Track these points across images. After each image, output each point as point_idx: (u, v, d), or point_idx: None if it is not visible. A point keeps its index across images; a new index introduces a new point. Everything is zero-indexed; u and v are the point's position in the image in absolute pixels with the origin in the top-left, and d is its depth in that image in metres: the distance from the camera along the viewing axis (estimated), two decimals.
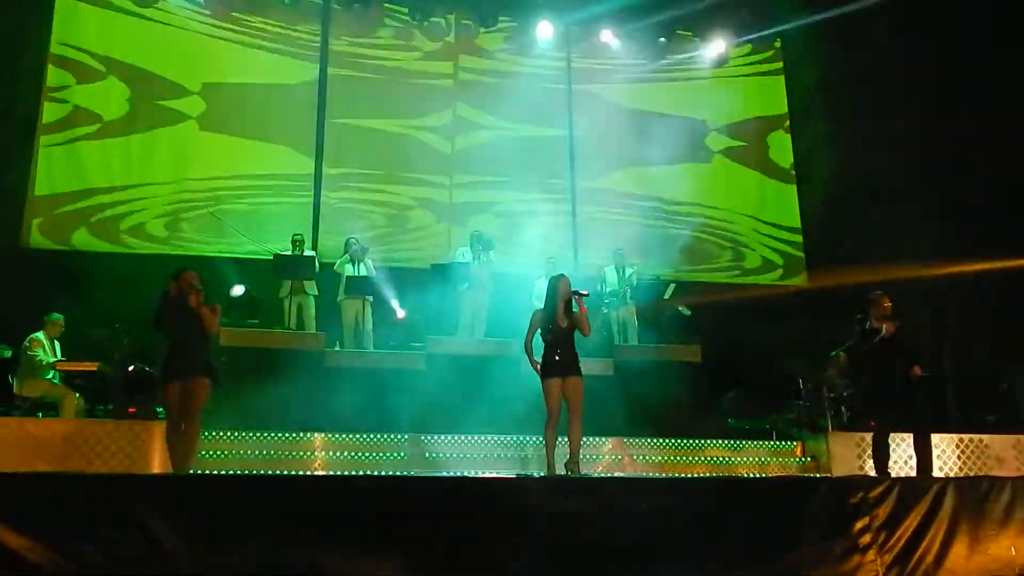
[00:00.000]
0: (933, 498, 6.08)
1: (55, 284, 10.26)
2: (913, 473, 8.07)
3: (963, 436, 8.87)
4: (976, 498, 6.19)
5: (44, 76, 11.89)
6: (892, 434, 7.76)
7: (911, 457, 8.27)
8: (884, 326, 7.58)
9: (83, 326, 9.30)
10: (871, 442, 7.77)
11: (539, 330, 7.30)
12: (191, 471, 6.63)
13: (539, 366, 7.22)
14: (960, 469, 8.57)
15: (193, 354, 6.64)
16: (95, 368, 8.91)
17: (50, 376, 8.72)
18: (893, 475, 7.64)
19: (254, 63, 12.85)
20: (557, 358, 7.15)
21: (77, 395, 8.57)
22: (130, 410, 8.51)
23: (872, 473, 7.98)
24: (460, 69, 13.78)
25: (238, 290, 10.06)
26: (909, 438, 8.00)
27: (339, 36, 13.36)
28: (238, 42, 12.87)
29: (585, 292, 7.38)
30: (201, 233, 11.95)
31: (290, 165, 12.65)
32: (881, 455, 7.57)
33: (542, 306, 10.19)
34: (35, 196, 11.57)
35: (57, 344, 8.97)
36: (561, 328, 7.22)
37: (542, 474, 7.37)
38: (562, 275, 7.55)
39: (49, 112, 11.87)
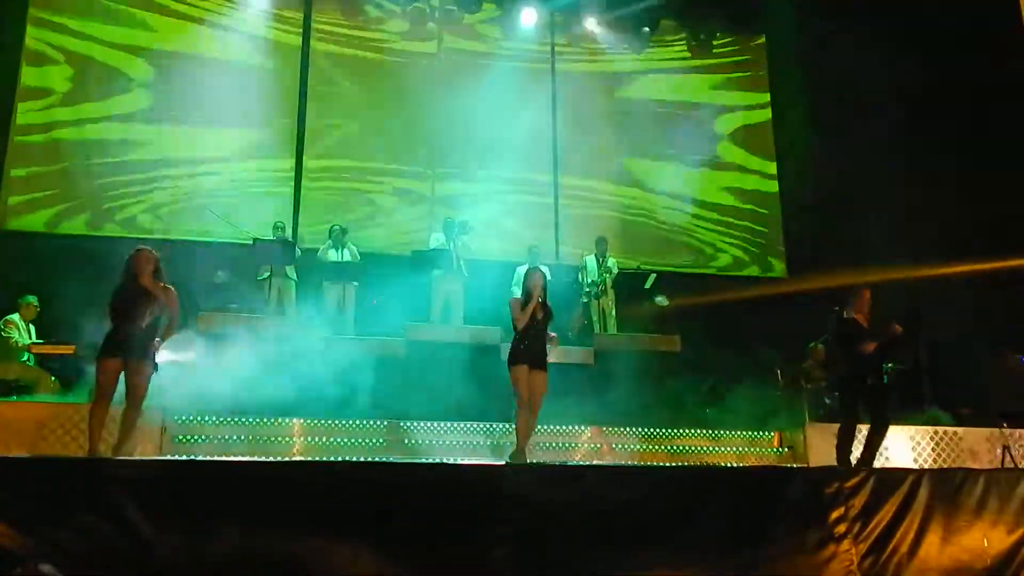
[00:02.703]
0: (908, 489, 6.15)
1: (31, 266, 10.15)
2: (886, 464, 8.16)
3: (938, 429, 8.96)
4: (950, 490, 6.26)
5: (20, 55, 11.74)
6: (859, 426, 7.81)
7: (885, 448, 8.37)
8: (861, 319, 7.64)
9: (59, 309, 9.20)
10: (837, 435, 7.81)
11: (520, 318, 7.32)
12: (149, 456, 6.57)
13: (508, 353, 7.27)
14: (934, 461, 8.66)
15: (137, 336, 6.36)
16: (71, 351, 8.80)
17: (25, 359, 8.63)
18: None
19: (236, 47, 12.74)
20: (526, 347, 7.20)
21: (52, 378, 8.48)
22: None
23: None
24: (443, 55, 13.70)
25: (221, 276, 9.97)
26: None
27: (321, 20, 13.25)
28: (218, 24, 12.75)
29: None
30: (180, 217, 11.85)
31: (271, 151, 12.56)
32: (846, 445, 7.60)
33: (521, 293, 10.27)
34: (10, 177, 11.43)
35: (32, 327, 8.88)
36: (536, 319, 7.26)
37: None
38: (537, 268, 7.59)
39: (26, 93, 11.73)
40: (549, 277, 7.74)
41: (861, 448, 7.54)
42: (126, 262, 6.55)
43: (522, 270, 10.74)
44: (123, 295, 6.44)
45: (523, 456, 7.12)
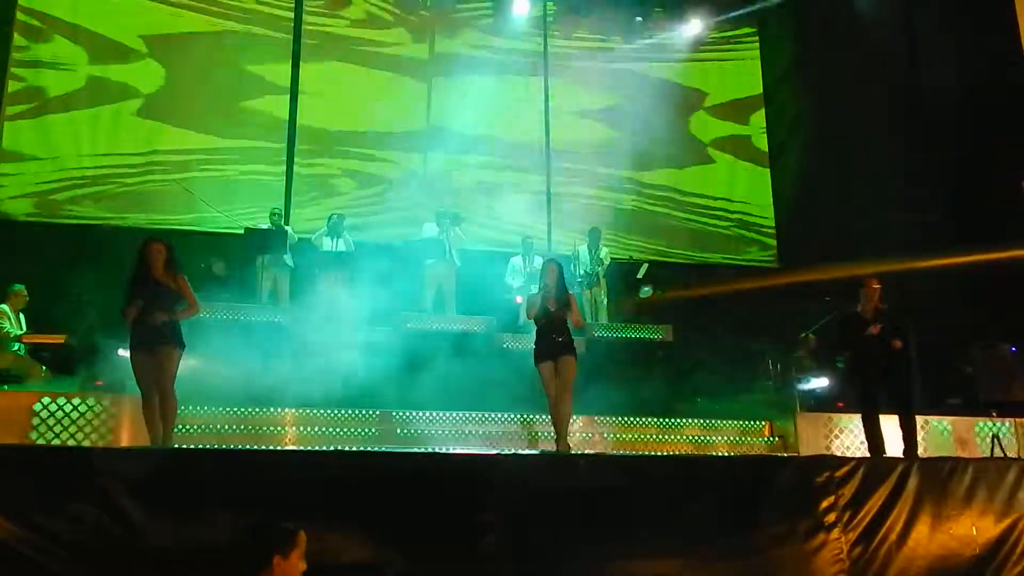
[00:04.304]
0: (897, 478, 6.18)
1: (20, 254, 10.10)
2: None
3: (927, 418, 8.99)
4: (939, 479, 6.30)
5: (10, 43, 11.67)
6: (857, 414, 7.85)
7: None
8: (867, 313, 7.67)
9: (48, 298, 9.17)
10: (862, 425, 7.84)
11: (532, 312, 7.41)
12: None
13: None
14: (924, 450, 8.69)
15: (159, 327, 6.40)
16: (62, 340, 8.77)
17: (15, 348, 8.59)
18: (857, 456, 7.73)
19: (227, 34, 12.69)
20: (548, 342, 7.29)
21: (43, 367, 8.45)
22: (97, 383, 8.39)
23: (839, 453, 8.09)
24: (436, 45, 13.66)
25: (219, 267, 9.93)
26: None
27: (312, 10, 13.19)
28: (208, 13, 12.69)
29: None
30: (172, 206, 11.80)
31: (264, 140, 12.51)
32: (874, 434, 7.62)
33: (515, 284, 10.31)
34: None
35: (23, 316, 8.84)
36: (551, 312, 7.30)
37: (516, 451, 7.44)
38: (552, 260, 7.64)
39: (15, 80, 11.67)
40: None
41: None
42: (138, 255, 6.55)
43: (516, 261, 10.79)
44: (139, 288, 6.46)
45: (564, 445, 7.18)
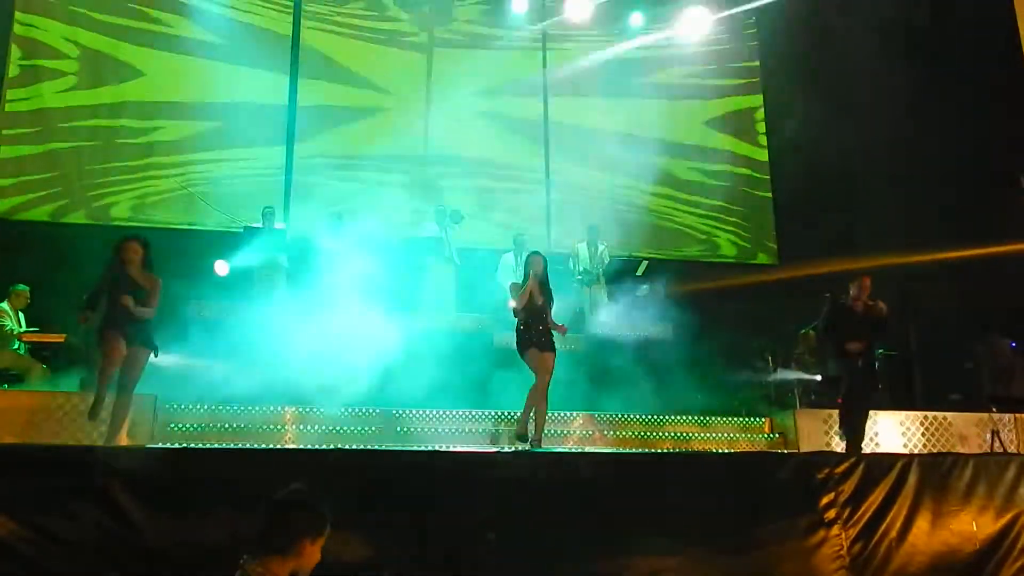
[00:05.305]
0: (898, 474, 6.19)
1: (19, 255, 10.10)
2: (876, 450, 8.22)
3: (927, 414, 9.00)
4: (939, 475, 6.30)
5: (8, 42, 11.66)
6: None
7: (876, 434, 8.44)
8: (858, 306, 7.68)
9: (48, 297, 9.18)
10: (838, 418, 7.87)
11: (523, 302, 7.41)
12: (160, 444, 6.56)
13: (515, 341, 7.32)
14: (924, 446, 8.70)
15: (135, 322, 6.38)
16: (62, 339, 8.78)
17: (16, 347, 8.60)
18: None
19: (225, 34, 12.67)
20: (533, 331, 7.30)
21: (44, 366, 8.46)
22: None
23: (839, 449, 8.09)
24: (435, 42, 13.64)
25: (223, 268, 9.91)
26: (879, 414, 8.17)
27: (311, 5, 13.19)
28: (208, 14, 12.68)
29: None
30: (170, 206, 11.80)
31: (262, 138, 12.49)
32: (848, 431, 7.65)
33: (508, 281, 10.29)
34: None
35: (23, 315, 8.85)
36: (536, 304, 7.30)
37: (514, 448, 7.44)
38: (536, 253, 7.63)
39: (14, 81, 11.66)
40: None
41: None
42: (114, 251, 6.53)
43: (507, 258, 10.77)
44: (112, 284, 6.43)
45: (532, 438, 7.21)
